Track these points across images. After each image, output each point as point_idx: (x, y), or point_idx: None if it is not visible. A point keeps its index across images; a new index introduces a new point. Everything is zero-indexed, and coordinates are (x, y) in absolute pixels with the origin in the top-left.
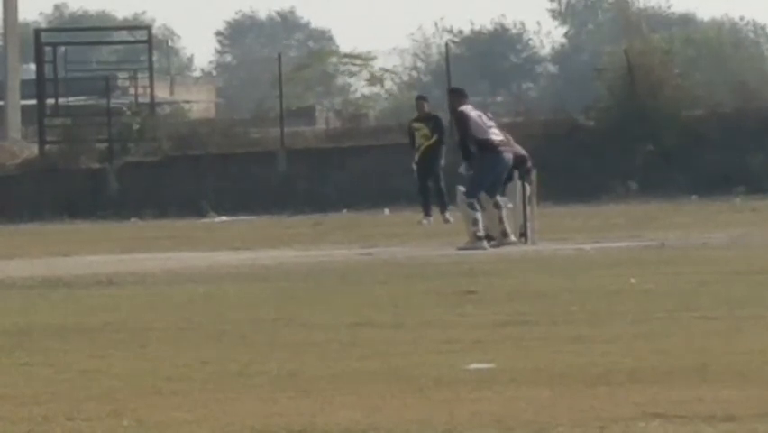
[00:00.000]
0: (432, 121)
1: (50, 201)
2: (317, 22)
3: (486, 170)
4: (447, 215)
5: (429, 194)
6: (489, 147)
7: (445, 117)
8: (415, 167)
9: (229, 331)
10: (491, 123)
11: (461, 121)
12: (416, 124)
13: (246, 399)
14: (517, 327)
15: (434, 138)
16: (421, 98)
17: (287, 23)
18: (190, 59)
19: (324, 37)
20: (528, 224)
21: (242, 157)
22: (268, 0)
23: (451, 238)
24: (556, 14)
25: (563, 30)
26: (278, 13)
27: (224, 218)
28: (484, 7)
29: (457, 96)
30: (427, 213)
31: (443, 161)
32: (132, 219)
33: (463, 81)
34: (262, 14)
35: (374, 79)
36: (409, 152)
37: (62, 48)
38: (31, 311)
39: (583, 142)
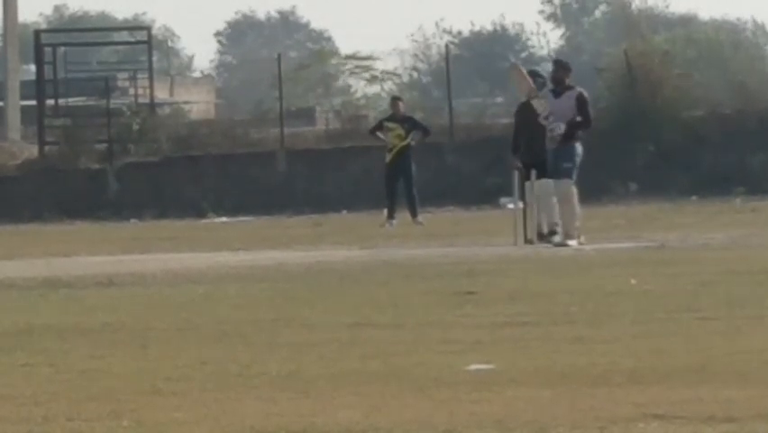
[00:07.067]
0: (408, 122)
1: (50, 201)
2: (317, 22)
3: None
4: (419, 218)
5: (396, 197)
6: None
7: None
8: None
9: (229, 331)
10: None
11: (586, 101)
12: (389, 124)
13: (246, 399)
14: (517, 327)
15: (408, 140)
16: (397, 99)
17: (287, 23)
18: (191, 59)
19: (323, 37)
20: (528, 222)
21: (241, 157)
22: (269, 0)
23: (451, 239)
24: (550, 17)
25: (559, 32)
26: (278, 12)
27: (223, 219)
28: (484, 8)
29: (567, 70)
30: (392, 216)
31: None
32: (132, 220)
33: (463, 82)
34: (261, 14)
35: (374, 80)
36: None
37: (62, 48)
38: (31, 311)
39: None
